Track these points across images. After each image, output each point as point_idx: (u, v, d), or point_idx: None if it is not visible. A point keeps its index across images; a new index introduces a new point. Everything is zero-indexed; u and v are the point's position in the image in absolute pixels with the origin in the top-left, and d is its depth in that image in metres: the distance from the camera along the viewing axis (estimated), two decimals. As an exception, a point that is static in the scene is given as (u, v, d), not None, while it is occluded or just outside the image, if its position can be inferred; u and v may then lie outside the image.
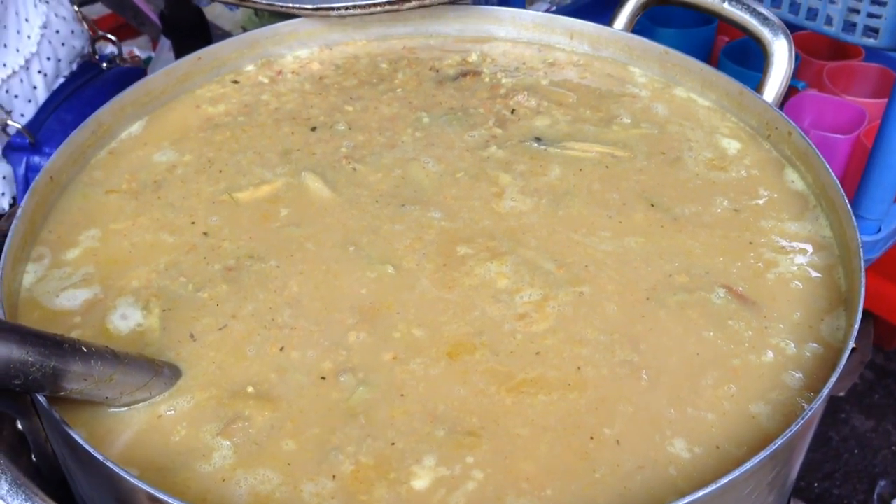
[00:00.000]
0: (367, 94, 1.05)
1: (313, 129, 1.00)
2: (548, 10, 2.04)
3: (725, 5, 1.02)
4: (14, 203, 1.23)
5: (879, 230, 1.42)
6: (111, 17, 2.71)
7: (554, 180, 0.93)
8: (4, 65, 1.19)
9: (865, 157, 1.41)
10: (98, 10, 2.83)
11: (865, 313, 1.80)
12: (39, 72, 1.24)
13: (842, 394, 2.32)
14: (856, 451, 2.28)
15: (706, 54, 1.76)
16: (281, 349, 0.76)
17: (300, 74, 1.09)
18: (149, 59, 2.37)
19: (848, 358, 0.75)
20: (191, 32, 1.81)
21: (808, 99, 1.60)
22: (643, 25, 1.73)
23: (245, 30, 2.01)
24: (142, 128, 0.99)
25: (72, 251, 0.84)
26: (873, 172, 1.37)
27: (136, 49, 2.85)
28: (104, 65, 1.34)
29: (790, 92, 1.65)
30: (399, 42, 1.14)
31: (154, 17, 2.09)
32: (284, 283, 0.82)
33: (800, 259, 0.84)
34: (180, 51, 1.86)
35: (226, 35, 2.02)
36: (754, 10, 1.00)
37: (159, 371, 0.71)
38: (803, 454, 0.81)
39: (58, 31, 1.27)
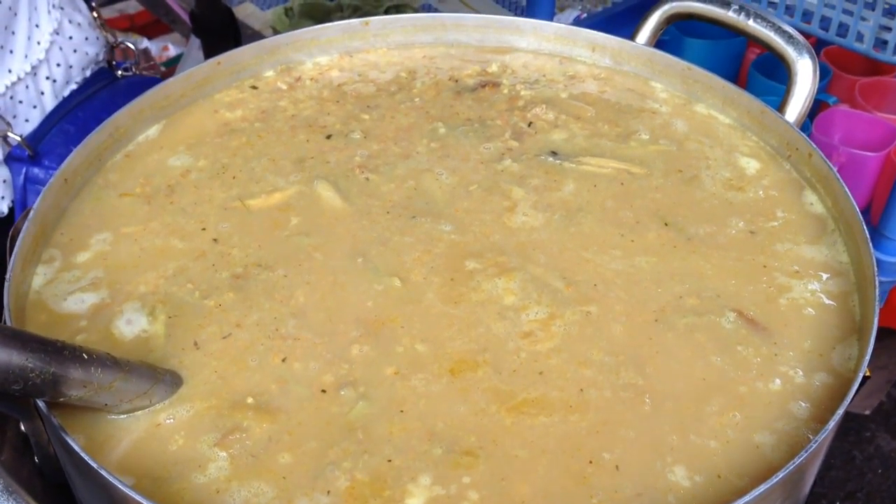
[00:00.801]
0: (385, 102, 1.05)
1: (329, 137, 1.00)
2: (578, 17, 2.03)
3: (750, 22, 1.00)
4: (13, 207, 1.23)
5: (906, 251, 1.40)
6: (146, 12, 2.74)
7: (567, 196, 0.92)
8: (10, 70, 1.18)
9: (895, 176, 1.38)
10: (134, 6, 2.86)
11: (893, 332, 1.77)
12: (48, 78, 1.23)
13: (867, 412, 2.29)
14: (879, 471, 2.24)
15: (736, 67, 1.73)
16: (283, 360, 0.76)
17: (319, 81, 1.08)
18: (181, 55, 2.38)
19: (874, 377, 0.74)
20: (220, 32, 1.82)
21: (838, 114, 1.57)
22: (672, 35, 1.71)
23: (275, 30, 2.02)
24: (158, 131, 1.00)
25: (82, 254, 0.85)
26: (901, 192, 1.34)
27: (170, 44, 2.88)
28: (119, 72, 1.33)
29: (821, 107, 1.62)
30: (420, 51, 1.14)
31: (185, 16, 2.10)
32: (291, 292, 0.82)
33: (814, 285, 0.83)
34: (209, 50, 1.87)
35: (256, 35, 2.03)
36: (779, 27, 0.98)
37: (160, 379, 0.72)
38: (812, 482, 0.80)
39: (71, 38, 1.26)
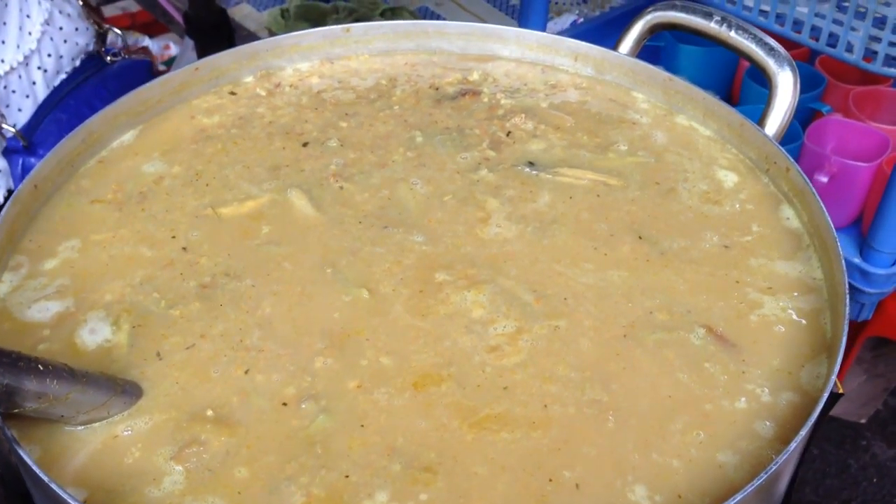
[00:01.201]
0: (364, 110, 1.04)
1: (305, 144, 0.99)
2: (575, 22, 2.02)
3: (732, 33, 0.99)
4: (9, 196, 1.26)
5: (895, 263, 1.39)
6: (145, 11, 2.74)
7: (542, 207, 0.91)
8: (2, 61, 1.20)
9: (886, 187, 1.37)
10: (136, 4, 2.86)
11: (889, 342, 1.75)
12: (39, 68, 1.25)
13: (863, 420, 2.28)
14: (874, 480, 2.23)
15: (730, 74, 1.72)
16: (246, 372, 0.75)
17: (298, 88, 1.08)
18: (180, 55, 2.38)
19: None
20: (213, 33, 1.82)
21: (832, 124, 1.56)
22: (668, 42, 1.70)
23: (271, 31, 2.01)
24: (134, 137, 0.99)
25: (50, 261, 0.84)
26: (889, 203, 1.33)
27: (171, 43, 2.88)
28: (108, 58, 1.35)
29: (815, 116, 1.61)
30: (402, 58, 1.13)
31: (179, 17, 2.10)
32: (257, 303, 0.81)
33: (786, 301, 0.82)
34: (203, 51, 1.87)
35: (251, 36, 2.03)
36: (760, 39, 0.98)
37: (119, 390, 0.71)
38: (781, 498, 0.79)
39: (61, 28, 1.28)
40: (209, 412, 0.72)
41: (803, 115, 1.60)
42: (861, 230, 1.50)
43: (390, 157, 0.97)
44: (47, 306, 0.80)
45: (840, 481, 2.22)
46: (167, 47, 2.90)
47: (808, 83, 1.61)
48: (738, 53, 1.00)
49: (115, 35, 1.39)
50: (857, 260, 1.40)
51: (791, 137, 1.50)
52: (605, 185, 0.94)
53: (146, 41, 2.87)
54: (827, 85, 1.62)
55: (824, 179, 1.44)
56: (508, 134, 1.01)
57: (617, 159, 0.98)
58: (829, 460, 2.28)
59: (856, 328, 1.63)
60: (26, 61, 1.23)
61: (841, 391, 0.80)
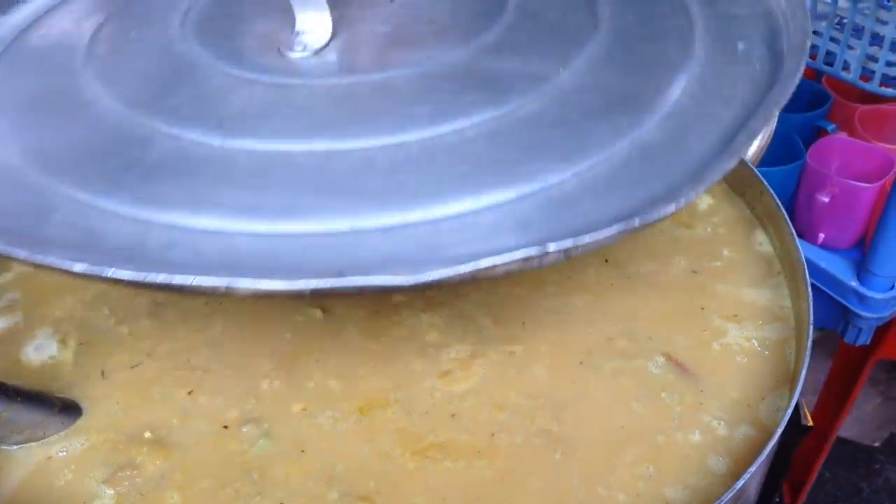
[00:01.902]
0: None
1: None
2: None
3: (712, 51, 0.97)
4: None
5: (893, 287, 1.35)
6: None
7: (509, 228, 0.89)
8: None
9: (887, 209, 1.33)
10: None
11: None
12: None
13: (877, 444, 2.24)
14: (887, 504, 2.18)
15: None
16: (189, 393, 0.74)
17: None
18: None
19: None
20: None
21: (837, 143, 1.52)
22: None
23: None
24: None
25: (4, 275, 0.84)
26: (888, 226, 1.30)
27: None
28: None
29: (820, 134, 1.58)
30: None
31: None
32: (209, 321, 0.80)
33: (751, 330, 0.79)
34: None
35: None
36: (740, 58, 0.95)
37: (56, 410, 0.70)
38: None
39: None
40: (147, 434, 0.71)
41: (809, 134, 1.57)
42: (864, 253, 1.47)
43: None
44: (-5, 322, 0.79)
45: (852, 507, 2.18)
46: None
47: (814, 101, 1.58)
48: (718, 72, 0.97)
49: None
50: (854, 284, 1.37)
51: (793, 156, 1.47)
52: (575, 206, 0.92)
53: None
54: (833, 103, 1.59)
55: (826, 199, 1.41)
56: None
57: (590, 179, 0.95)
58: (840, 484, 2.24)
59: (862, 352, 1.59)
60: None
61: (810, 423, 0.77)
